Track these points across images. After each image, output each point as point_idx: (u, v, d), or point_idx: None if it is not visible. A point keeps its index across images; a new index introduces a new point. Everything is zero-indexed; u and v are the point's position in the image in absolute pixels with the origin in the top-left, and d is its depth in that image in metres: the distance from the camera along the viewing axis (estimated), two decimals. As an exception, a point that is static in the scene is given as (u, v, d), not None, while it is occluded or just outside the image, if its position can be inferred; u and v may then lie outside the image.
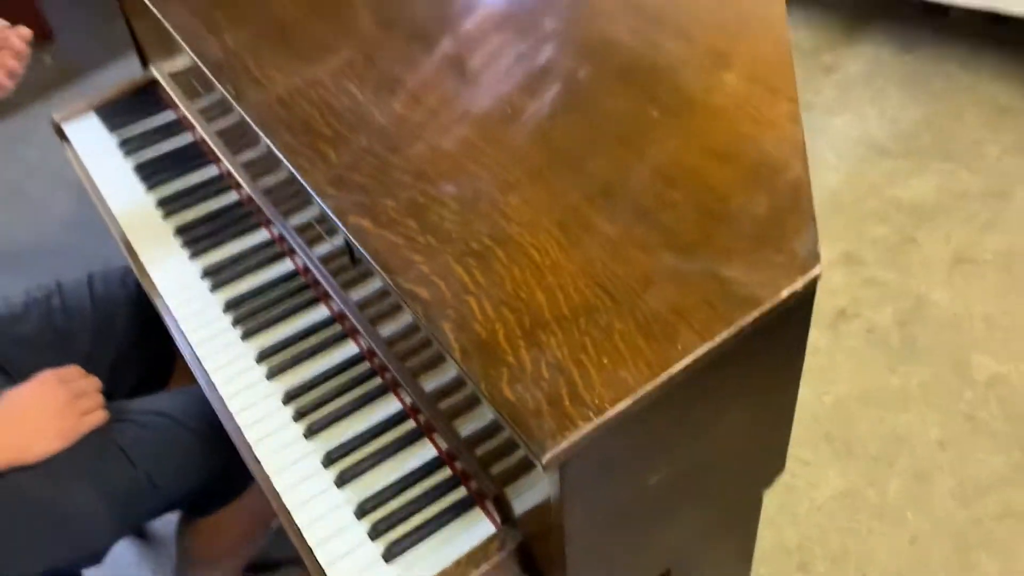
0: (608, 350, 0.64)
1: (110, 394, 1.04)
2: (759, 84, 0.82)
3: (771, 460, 0.87)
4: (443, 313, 0.68)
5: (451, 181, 0.78)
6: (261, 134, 0.86)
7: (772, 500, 1.50)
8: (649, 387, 0.62)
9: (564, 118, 0.83)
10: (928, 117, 2.10)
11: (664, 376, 0.62)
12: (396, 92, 0.88)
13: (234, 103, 0.90)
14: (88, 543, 0.97)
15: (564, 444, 0.59)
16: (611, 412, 0.61)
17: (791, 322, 0.70)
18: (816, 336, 1.72)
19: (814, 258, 0.67)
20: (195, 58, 0.98)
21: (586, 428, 0.60)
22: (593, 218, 0.73)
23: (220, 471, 1.06)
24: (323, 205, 0.78)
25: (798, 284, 0.66)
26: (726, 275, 0.67)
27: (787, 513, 1.50)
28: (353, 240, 0.75)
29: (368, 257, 0.73)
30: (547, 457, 0.59)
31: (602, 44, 0.90)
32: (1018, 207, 1.91)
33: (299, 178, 0.81)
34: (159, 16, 1.03)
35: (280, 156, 0.84)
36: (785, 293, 0.66)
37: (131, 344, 1.16)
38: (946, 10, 2.29)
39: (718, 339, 0.64)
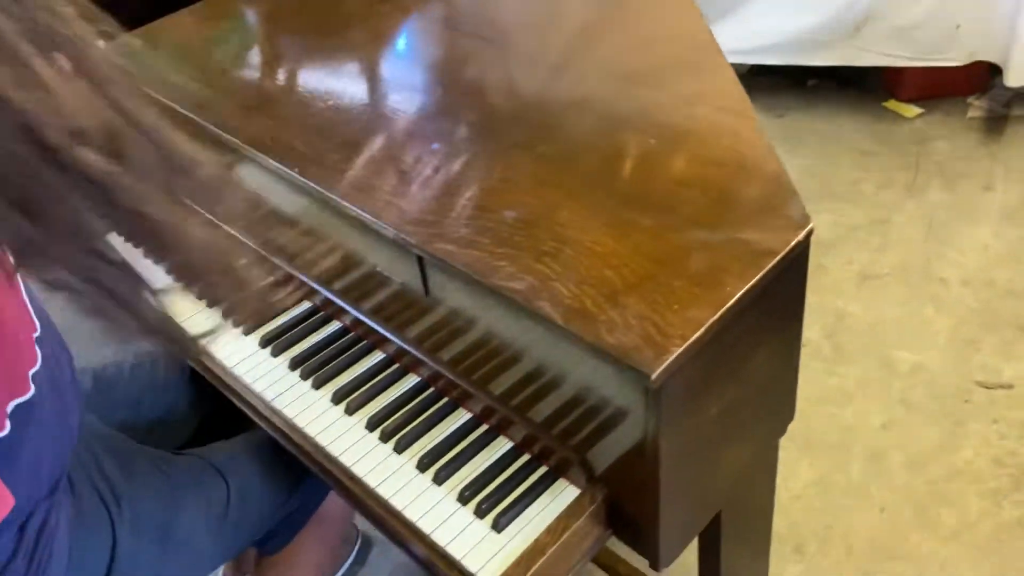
0: (675, 300, 0.83)
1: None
2: (726, 112, 1.07)
3: (786, 405, 1.07)
4: (538, 296, 0.86)
5: (508, 209, 0.97)
6: (334, 197, 1.03)
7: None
8: (713, 318, 0.81)
9: (582, 153, 1.04)
10: (809, 167, 2.45)
11: (723, 309, 0.82)
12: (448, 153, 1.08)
13: (296, 175, 1.06)
14: (195, 570, 1.07)
15: (666, 363, 0.78)
16: (692, 338, 0.80)
17: (795, 269, 0.91)
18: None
19: (805, 218, 0.90)
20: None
21: (677, 351, 0.79)
22: (631, 218, 0.93)
23: (290, 504, 1.18)
24: (407, 239, 0.96)
25: (800, 236, 0.88)
26: (745, 238, 0.89)
27: (773, 504, 1.70)
28: (443, 260, 0.92)
29: (462, 269, 0.91)
30: (655, 375, 0.77)
31: (594, 99, 1.13)
32: (899, 229, 2.24)
33: (375, 221, 0.99)
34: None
35: (352, 207, 1.01)
36: (792, 242, 0.87)
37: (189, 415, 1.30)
38: (805, 80, 2.69)
39: (753, 280, 0.84)
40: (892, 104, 2.59)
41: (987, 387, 1.85)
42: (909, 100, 2.58)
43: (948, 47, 2.36)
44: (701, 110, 1.08)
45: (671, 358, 0.78)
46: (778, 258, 0.86)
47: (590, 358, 0.85)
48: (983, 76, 2.53)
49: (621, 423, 0.89)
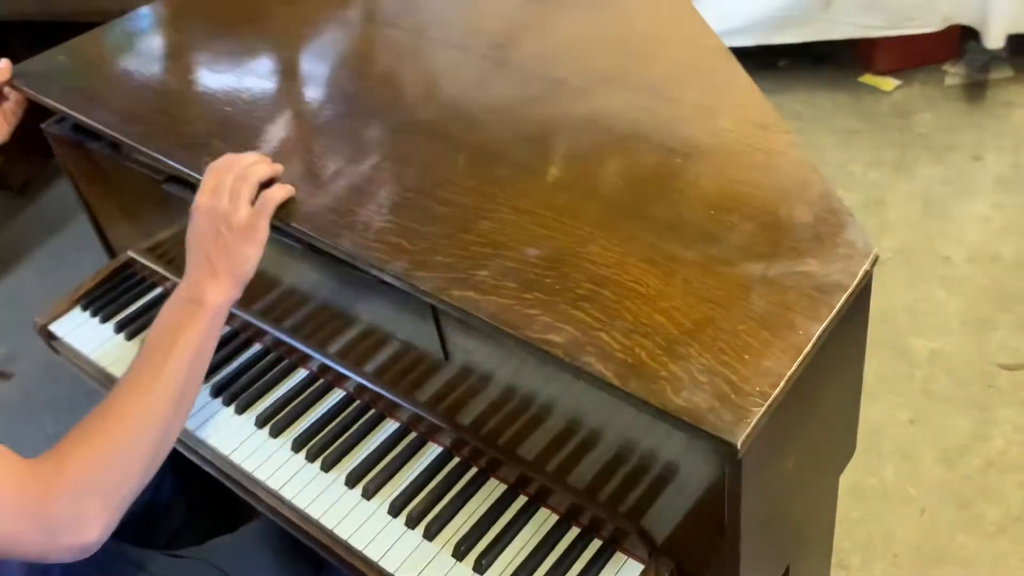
0: (743, 347, 0.73)
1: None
2: (751, 124, 0.96)
3: (848, 440, 0.97)
4: (583, 350, 0.75)
5: (529, 246, 0.85)
6: (330, 243, 0.90)
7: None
8: (792, 369, 0.71)
9: (606, 178, 0.93)
10: (792, 153, 2.36)
11: (800, 358, 0.71)
12: (451, 181, 0.95)
13: (281, 225, 0.94)
14: None
15: (749, 427, 0.67)
16: (772, 395, 0.69)
17: (861, 302, 0.81)
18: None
19: (868, 245, 0.80)
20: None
21: (759, 412, 0.68)
22: (671, 250, 0.82)
23: None
24: (419, 287, 0.83)
25: (867, 266, 0.78)
26: (808, 271, 0.78)
27: (809, 520, 1.60)
28: (466, 310, 0.80)
29: (488, 321, 0.78)
30: (740, 441, 0.66)
31: (608, 116, 1.01)
32: (895, 210, 2.17)
33: (379, 271, 0.86)
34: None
35: (349, 257, 0.88)
36: (860, 274, 0.77)
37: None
38: (775, 61, 2.61)
39: (826, 320, 0.74)
40: (868, 78, 2.52)
41: (1010, 369, 1.77)
42: (884, 72, 2.51)
43: (922, 13, 2.30)
44: (724, 123, 0.97)
45: (754, 420, 0.68)
46: (848, 292, 0.76)
47: (653, 422, 0.74)
48: (956, 42, 2.47)
49: (690, 487, 0.78)
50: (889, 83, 2.49)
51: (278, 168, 0.94)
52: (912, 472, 1.64)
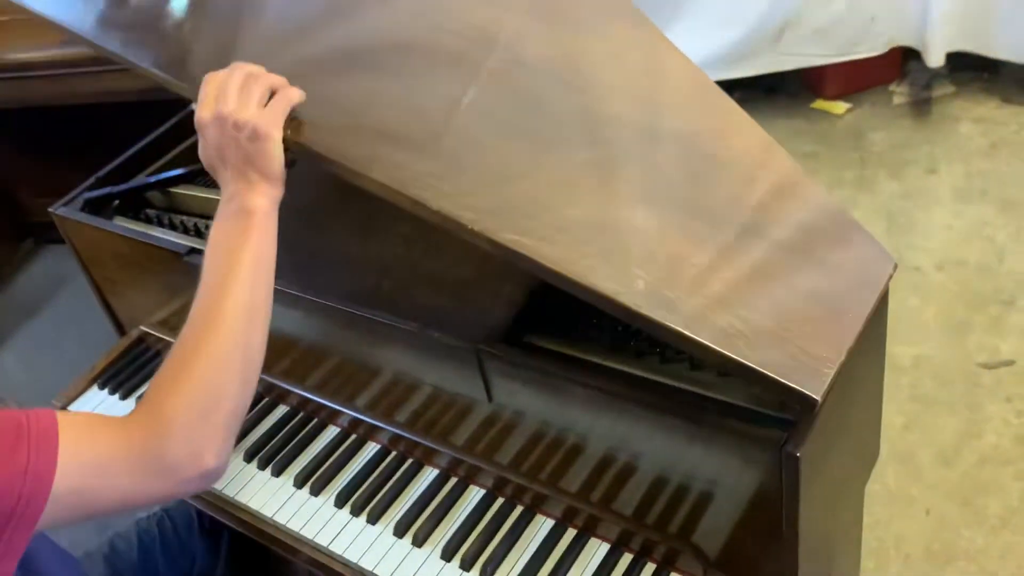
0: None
1: None
2: (757, 146, 1.00)
3: (874, 444, 1.02)
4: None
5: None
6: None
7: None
8: (851, 343, 0.75)
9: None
10: (757, 179, 2.45)
11: (855, 336, 0.76)
12: None
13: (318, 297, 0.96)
14: None
15: (826, 385, 0.72)
16: (840, 360, 0.73)
17: (883, 307, 0.87)
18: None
19: (886, 253, 0.85)
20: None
21: (832, 373, 0.73)
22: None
23: None
24: (458, 344, 0.87)
25: (891, 269, 0.83)
26: (845, 267, 0.83)
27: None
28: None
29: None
30: (821, 396, 0.71)
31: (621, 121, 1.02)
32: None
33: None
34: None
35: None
36: (888, 274, 0.82)
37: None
38: (730, 93, 2.70)
39: (868, 311, 0.79)
40: (820, 104, 2.64)
41: (990, 367, 1.85)
42: (834, 97, 2.62)
43: (866, 39, 2.42)
44: (735, 141, 0.99)
45: (829, 379, 0.72)
46: (881, 289, 0.81)
47: (696, 434, 0.78)
48: (899, 63, 2.60)
49: (741, 495, 0.82)
50: (840, 107, 2.60)
51: (296, 92, 0.88)
52: (913, 474, 1.70)
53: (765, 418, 0.79)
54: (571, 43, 1.06)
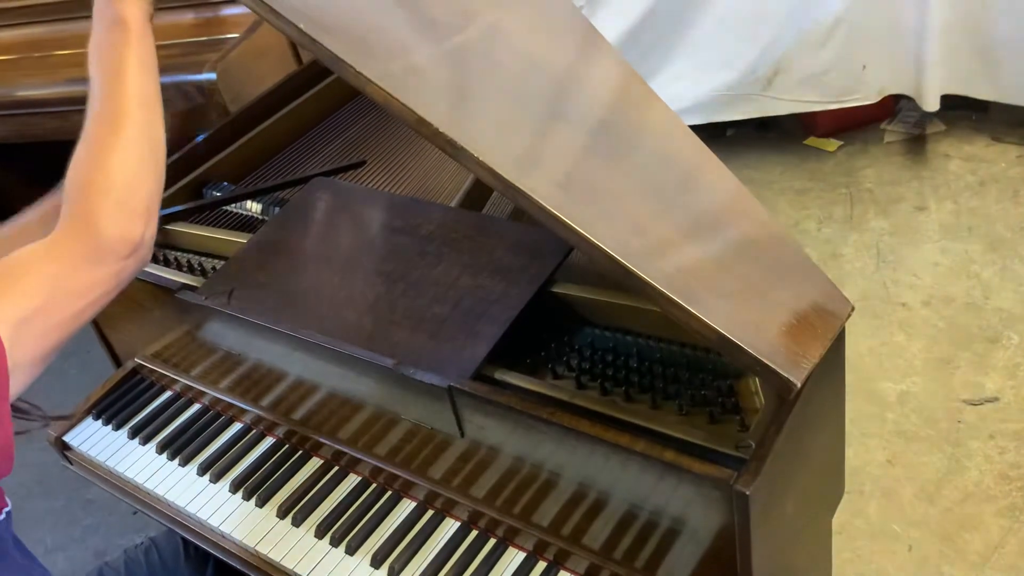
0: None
1: None
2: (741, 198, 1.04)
3: (837, 482, 1.05)
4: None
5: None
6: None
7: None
8: (825, 349, 0.80)
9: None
10: (749, 215, 2.49)
11: (826, 347, 0.81)
12: None
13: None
14: None
15: (806, 372, 0.77)
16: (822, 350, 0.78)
17: (840, 344, 0.90)
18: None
19: (843, 297, 0.89)
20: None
21: (809, 366, 0.78)
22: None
23: None
24: (433, 381, 0.91)
25: (849, 308, 0.87)
26: (813, 299, 0.87)
27: (803, 565, 1.67)
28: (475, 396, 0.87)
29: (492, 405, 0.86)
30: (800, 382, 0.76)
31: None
32: (850, 262, 2.29)
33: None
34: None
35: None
36: (848, 311, 0.86)
37: None
38: (724, 131, 2.76)
39: (831, 336, 0.82)
40: (812, 141, 2.68)
41: (974, 404, 1.88)
42: (827, 134, 2.66)
43: (858, 87, 2.46)
44: (725, 184, 1.03)
45: (809, 369, 0.77)
46: (843, 321, 0.85)
47: (663, 473, 0.82)
48: (891, 103, 2.64)
49: (700, 535, 0.85)
50: (832, 144, 2.65)
51: None
52: (895, 510, 1.72)
53: (721, 456, 0.82)
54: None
